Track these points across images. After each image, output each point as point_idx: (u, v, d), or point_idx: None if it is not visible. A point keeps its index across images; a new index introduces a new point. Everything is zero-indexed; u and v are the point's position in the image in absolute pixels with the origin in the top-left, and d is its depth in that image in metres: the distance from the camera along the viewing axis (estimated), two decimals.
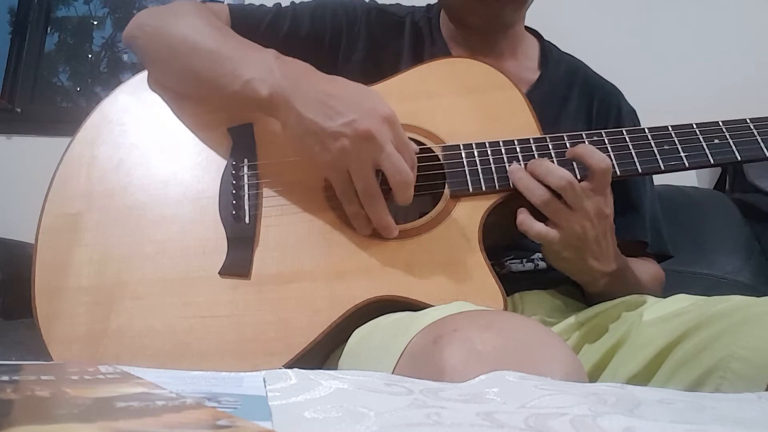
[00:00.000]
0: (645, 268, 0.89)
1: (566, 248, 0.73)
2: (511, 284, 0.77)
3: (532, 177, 0.74)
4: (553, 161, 0.77)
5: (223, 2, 0.99)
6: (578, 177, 0.74)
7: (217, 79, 0.78)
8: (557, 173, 0.72)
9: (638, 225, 0.92)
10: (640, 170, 0.77)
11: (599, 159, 0.72)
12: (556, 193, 0.72)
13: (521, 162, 0.77)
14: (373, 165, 0.71)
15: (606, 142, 0.78)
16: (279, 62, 0.76)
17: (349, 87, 0.75)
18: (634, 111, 0.99)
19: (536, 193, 0.72)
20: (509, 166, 0.77)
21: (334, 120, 0.71)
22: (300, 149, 0.75)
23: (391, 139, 0.71)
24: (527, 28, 1.01)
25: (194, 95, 0.84)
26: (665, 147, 0.77)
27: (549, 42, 1.02)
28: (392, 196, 0.73)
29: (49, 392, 0.31)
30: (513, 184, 0.75)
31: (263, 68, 0.76)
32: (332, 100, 0.72)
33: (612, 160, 0.75)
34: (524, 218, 0.73)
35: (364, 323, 0.70)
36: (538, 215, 0.73)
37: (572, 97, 0.96)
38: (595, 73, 1.02)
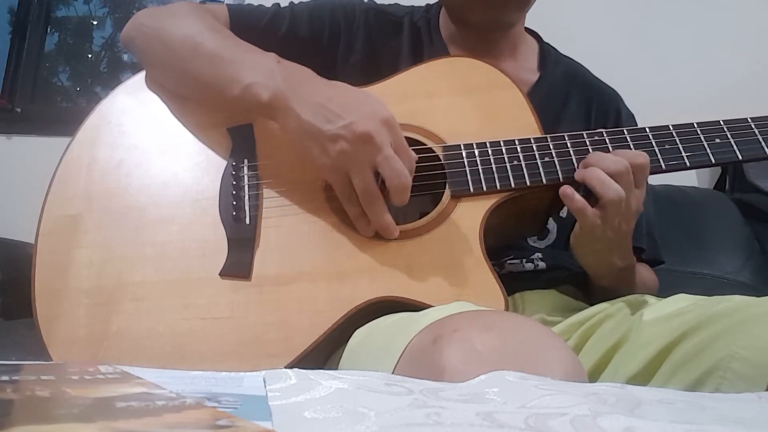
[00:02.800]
0: (642, 272, 0.89)
1: (601, 239, 0.74)
2: (511, 284, 0.76)
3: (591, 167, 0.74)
4: (554, 161, 0.77)
5: (222, 2, 0.99)
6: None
7: (217, 82, 0.79)
8: (613, 158, 0.73)
9: (635, 231, 0.92)
10: None
11: (635, 153, 0.74)
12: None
13: (522, 162, 0.77)
14: (371, 167, 0.71)
15: (607, 141, 0.78)
16: (280, 66, 0.76)
17: (349, 91, 0.75)
18: (633, 115, 1.00)
19: (612, 187, 0.71)
20: (510, 167, 0.77)
21: (333, 123, 0.71)
22: (300, 152, 0.75)
23: (390, 142, 0.71)
24: (527, 30, 1.01)
25: (193, 97, 0.84)
26: (666, 146, 0.77)
27: (548, 44, 1.02)
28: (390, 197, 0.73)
29: (49, 392, 0.31)
30: (585, 181, 0.74)
31: (264, 72, 0.76)
32: (331, 103, 0.72)
33: None
34: (574, 194, 0.73)
35: (364, 324, 0.70)
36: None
37: (571, 99, 0.96)
38: (594, 76, 1.02)
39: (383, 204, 0.73)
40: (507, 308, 0.70)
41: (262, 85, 0.75)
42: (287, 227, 0.76)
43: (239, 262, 0.74)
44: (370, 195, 0.72)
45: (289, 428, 0.31)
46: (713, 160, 0.77)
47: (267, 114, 0.77)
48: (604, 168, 0.72)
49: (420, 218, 0.77)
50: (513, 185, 0.77)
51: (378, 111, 0.72)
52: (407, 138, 0.78)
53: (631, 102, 1.01)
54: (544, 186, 0.77)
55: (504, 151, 0.79)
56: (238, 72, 0.77)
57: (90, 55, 2.60)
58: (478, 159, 0.78)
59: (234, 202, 0.77)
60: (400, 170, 0.70)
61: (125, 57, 2.44)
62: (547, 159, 0.77)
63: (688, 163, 0.77)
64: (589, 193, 0.73)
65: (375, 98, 0.74)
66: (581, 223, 0.75)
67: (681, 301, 0.72)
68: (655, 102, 1.28)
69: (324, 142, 0.71)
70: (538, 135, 0.80)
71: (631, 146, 0.78)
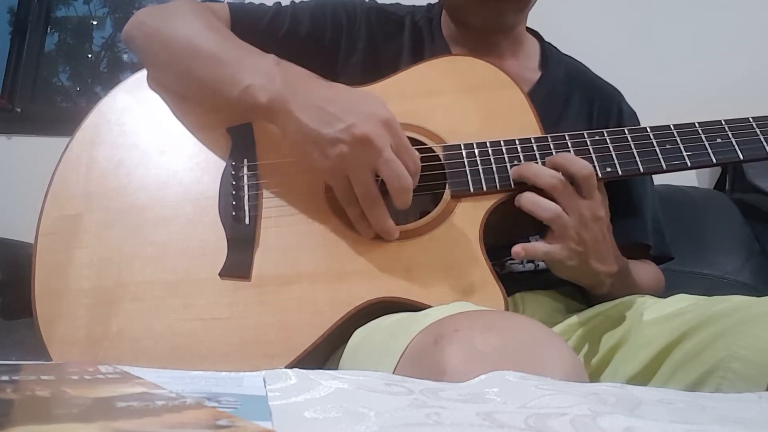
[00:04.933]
0: (645, 270, 0.89)
1: (570, 257, 0.73)
2: (512, 284, 0.76)
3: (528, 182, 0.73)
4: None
5: (223, 1, 0.99)
6: None
7: (216, 84, 0.78)
8: (547, 173, 0.72)
9: (640, 227, 0.92)
10: (642, 170, 0.77)
11: (581, 166, 0.72)
12: None
13: (522, 161, 0.77)
14: (371, 169, 0.71)
15: (608, 141, 0.78)
16: (279, 68, 0.76)
17: (349, 92, 0.75)
18: (635, 113, 0.99)
19: (544, 206, 0.71)
20: (510, 166, 0.77)
21: (332, 126, 0.71)
22: (300, 155, 0.75)
23: (390, 144, 0.70)
24: (527, 29, 1.01)
25: (193, 97, 0.84)
26: (667, 146, 0.77)
27: (549, 43, 1.02)
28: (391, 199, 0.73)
29: (49, 392, 0.31)
30: (521, 207, 0.73)
31: (263, 74, 0.75)
32: (331, 106, 0.72)
33: (614, 160, 0.75)
34: (525, 246, 0.72)
35: (364, 324, 0.70)
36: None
37: (573, 98, 0.96)
38: (595, 75, 1.02)
39: (383, 207, 0.73)
40: (507, 308, 0.70)
41: (260, 88, 0.75)
42: (287, 227, 0.76)
43: (239, 263, 0.74)
44: (370, 198, 0.72)
45: (289, 428, 0.31)
46: (714, 160, 0.77)
47: (266, 117, 0.77)
48: (537, 184, 0.73)
49: (420, 218, 0.77)
50: (513, 185, 0.77)
51: (377, 112, 0.71)
52: (408, 138, 0.78)
53: (631, 102, 1.01)
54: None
55: (504, 150, 0.78)
56: (237, 74, 0.77)
57: (90, 55, 2.60)
58: (478, 159, 0.78)
59: (234, 202, 0.77)
60: (401, 172, 0.70)
61: (125, 57, 2.44)
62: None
63: (689, 163, 0.77)
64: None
65: (375, 98, 0.74)
66: (546, 259, 0.74)
67: (681, 301, 0.72)
68: (656, 102, 1.28)
69: (323, 145, 0.71)
70: (539, 135, 0.80)
71: (632, 146, 0.77)
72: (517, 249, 0.72)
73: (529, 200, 0.72)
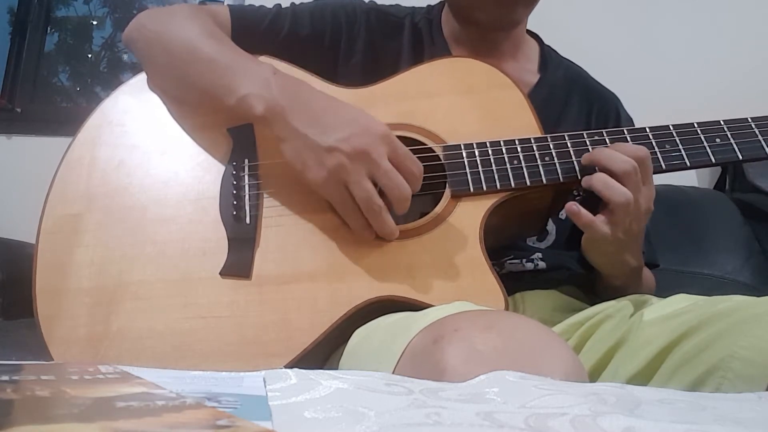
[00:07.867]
0: (645, 271, 0.90)
1: (612, 242, 0.73)
2: (512, 284, 0.76)
3: (602, 172, 0.72)
4: (554, 161, 0.77)
5: (223, 3, 0.99)
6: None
7: (214, 90, 0.79)
8: (621, 158, 0.72)
9: None
10: None
11: (635, 147, 0.73)
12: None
13: (522, 162, 0.77)
14: (370, 177, 0.71)
15: (607, 141, 0.78)
16: (276, 78, 0.76)
17: (344, 106, 0.76)
18: (631, 119, 1.00)
19: (618, 191, 0.71)
20: (510, 167, 0.77)
21: (329, 135, 0.71)
22: (295, 165, 0.74)
23: (388, 155, 0.71)
24: (528, 32, 1.01)
25: (191, 102, 0.84)
26: (666, 146, 0.77)
27: (549, 46, 1.02)
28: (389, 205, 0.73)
29: (49, 392, 0.31)
30: (591, 187, 0.73)
31: (260, 83, 0.76)
32: (327, 115, 0.72)
33: None
34: (579, 210, 0.72)
35: (364, 324, 0.70)
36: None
37: (572, 102, 0.96)
38: (594, 79, 1.02)
39: (387, 211, 0.73)
40: (507, 308, 0.70)
41: (257, 96, 0.75)
42: (287, 227, 0.76)
43: (240, 262, 0.74)
44: (375, 204, 0.71)
45: (289, 428, 0.31)
46: (713, 160, 0.77)
47: (261, 125, 0.77)
48: (611, 168, 0.72)
49: (420, 218, 0.77)
50: (513, 185, 0.77)
51: (373, 126, 0.72)
52: (407, 138, 0.78)
53: (631, 102, 1.01)
54: (545, 186, 0.77)
55: (504, 151, 0.79)
56: (233, 81, 0.77)
57: (90, 55, 2.60)
58: (478, 159, 0.78)
59: (234, 202, 0.77)
60: (400, 182, 0.71)
61: (125, 57, 2.45)
62: (547, 159, 0.77)
63: (688, 163, 0.77)
64: (590, 192, 0.73)
65: (369, 115, 0.74)
66: (590, 234, 0.74)
67: (681, 301, 0.72)
68: (655, 102, 1.28)
69: (321, 153, 0.71)
70: (539, 135, 0.80)
71: None
72: (572, 206, 0.72)
73: (602, 182, 0.72)
